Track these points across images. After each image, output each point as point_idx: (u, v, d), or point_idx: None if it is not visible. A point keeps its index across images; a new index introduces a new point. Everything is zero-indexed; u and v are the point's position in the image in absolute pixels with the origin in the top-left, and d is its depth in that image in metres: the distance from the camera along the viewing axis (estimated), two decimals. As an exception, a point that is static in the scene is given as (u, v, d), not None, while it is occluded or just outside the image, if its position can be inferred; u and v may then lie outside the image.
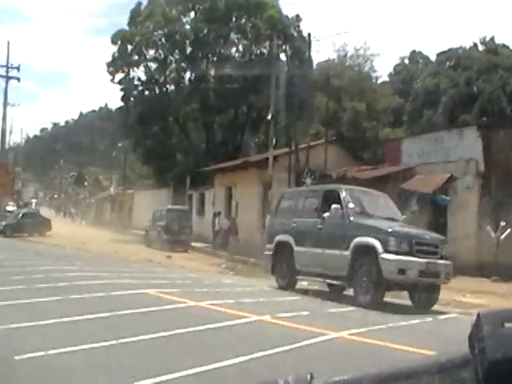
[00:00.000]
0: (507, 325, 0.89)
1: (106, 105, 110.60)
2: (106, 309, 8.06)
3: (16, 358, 5.08)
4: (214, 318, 7.82)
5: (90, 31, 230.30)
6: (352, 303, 10.33)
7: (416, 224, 18.92)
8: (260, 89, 38.13)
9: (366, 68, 41.55)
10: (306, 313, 8.97)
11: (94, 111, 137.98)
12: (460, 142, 20.11)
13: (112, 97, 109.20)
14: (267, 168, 22.65)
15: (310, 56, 23.55)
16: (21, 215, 37.42)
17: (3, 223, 34.85)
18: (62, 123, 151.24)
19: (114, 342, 5.99)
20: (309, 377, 0.97)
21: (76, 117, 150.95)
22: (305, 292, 11.69)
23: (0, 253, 19.23)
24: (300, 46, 39.25)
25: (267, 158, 22.97)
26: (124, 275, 13.03)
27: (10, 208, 46.70)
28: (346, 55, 40.26)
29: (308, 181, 21.57)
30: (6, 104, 45.83)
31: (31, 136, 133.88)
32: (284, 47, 39.44)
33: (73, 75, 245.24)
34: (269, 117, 22.18)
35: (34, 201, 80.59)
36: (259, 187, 25.10)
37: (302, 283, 18.58)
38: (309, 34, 23.40)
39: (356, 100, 37.86)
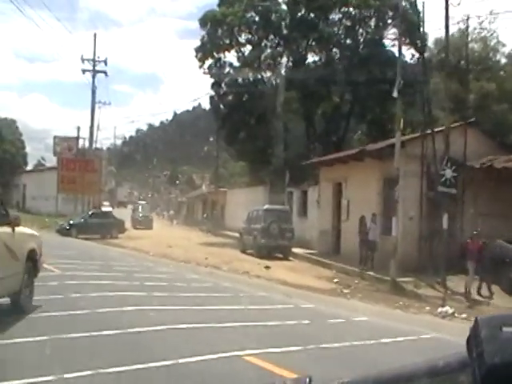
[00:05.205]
0: (505, 329, 0.86)
1: (200, 104, 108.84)
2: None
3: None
4: None
5: (181, 33, 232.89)
6: None
7: None
8: (367, 73, 33.30)
9: (492, 43, 35.32)
10: None
11: (188, 111, 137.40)
12: None
13: (206, 97, 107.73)
14: (389, 158, 17.85)
15: (447, 20, 18.15)
16: (89, 215, 34.44)
17: (71, 222, 32.00)
18: (157, 124, 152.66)
19: None
20: (307, 380, 0.97)
21: (170, 117, 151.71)
22: None
23: (62, 259, 15.51)
24: (413, 20, 33.85)
25: (390, 146, 18.19)
26: (208, 313, 8.74)
27: (105, 208, 44.41)
28: (467, 28, 34.30)
29: (448, 172, 16.55)
30: (93, 99, 43.53)
31: (127, 137, 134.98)
32: (396, 22, 34.43)
33: (166, 77, 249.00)
34: (394, 94, 17.24)
35: (142, 203, 61.16)
36: (379, 182, 20.22)
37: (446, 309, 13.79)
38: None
39: (484, 80, 31.95)
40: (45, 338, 6.32)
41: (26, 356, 5.65)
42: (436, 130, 18.09)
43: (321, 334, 7.79)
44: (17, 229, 8.16)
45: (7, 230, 7.83)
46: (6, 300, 8.03)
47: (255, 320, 8.30)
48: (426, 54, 34.39)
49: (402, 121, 16.99)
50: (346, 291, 16.11)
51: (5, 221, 7.92)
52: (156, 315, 7.94)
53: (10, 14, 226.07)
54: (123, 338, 6.50)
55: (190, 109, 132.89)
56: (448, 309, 13.74)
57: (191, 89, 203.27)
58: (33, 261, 8.71)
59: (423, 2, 17.71)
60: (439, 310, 13.67)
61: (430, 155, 18.04)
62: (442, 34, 30.30)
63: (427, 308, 13.84)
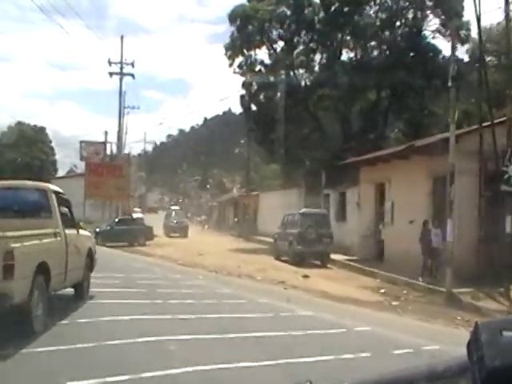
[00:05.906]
0: (505, 333, 0.85)
1: (230, 109, 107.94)
2: None
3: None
4: None
5: (210, 38, 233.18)
6: None
7: None
8: (405, 68, 31.34)
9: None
10: None
11: (218, 115, 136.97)
12: None
13: (236, 102, 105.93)
14: (439, 155, 15.98)
15: (507, 5, 16.08)
16: (116, 221, 33.21)
17: (97, 230, 30.80)
18: (188, 129, 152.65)
19: None
20: None
21: (201, 122, 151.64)
22: None
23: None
24: (456, 8, 31.76)
25: (441, 141, 16.30)
26: (244, 345, 7.03)
27: (136, 215, 43.10)
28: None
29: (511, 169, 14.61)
30: (121, 102, 42.42)
31: (158, 142, 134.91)
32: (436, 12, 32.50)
33: (196, 82, 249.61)
34: (449, 83, 15.37)
35: (175, 208, 55.85)
36: (428, 181, 18.27)
37: None
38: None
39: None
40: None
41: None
42: (495, 122, 16.07)
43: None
44: (80, 231, 10.34)
45: (74, 231, 9.88)
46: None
47: (304, 354, 6.51)
48: (470, 45, 32.40)
49: (456, 112, 15.03)
50: (394, 303, 14.32)
51: (72, 224, 9.89)
52: (178, 349, 6.26)
53: (42, 23, 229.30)
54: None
55: (221, 113, 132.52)
56: (517, 325, 11.81)
57: (221, 94, 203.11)
58: (90, 257, 11.10)
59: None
60: (507, 326, 11.76)
61: (487, 150, 16.06)
62: (484, 22, 28.18)
63: (492, 324, 11.92)
